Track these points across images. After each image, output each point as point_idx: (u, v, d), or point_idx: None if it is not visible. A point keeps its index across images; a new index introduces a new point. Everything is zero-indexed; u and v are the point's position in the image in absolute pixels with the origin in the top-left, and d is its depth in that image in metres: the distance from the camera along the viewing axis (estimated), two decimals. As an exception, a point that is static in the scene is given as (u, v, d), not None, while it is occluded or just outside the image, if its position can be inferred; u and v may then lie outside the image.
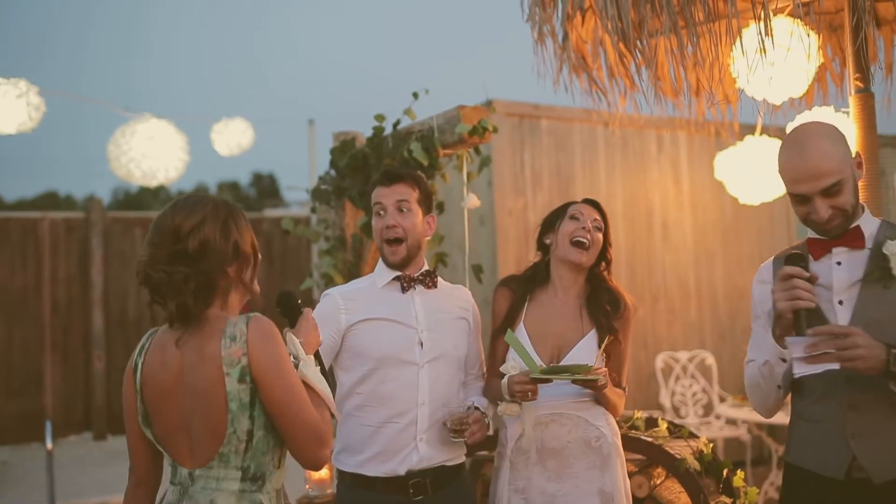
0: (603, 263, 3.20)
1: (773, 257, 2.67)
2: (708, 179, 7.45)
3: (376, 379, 2.94)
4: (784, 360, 2.43)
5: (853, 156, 2.51)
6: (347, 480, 2.99)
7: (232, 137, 7.89)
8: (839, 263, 2.48)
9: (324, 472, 3.68)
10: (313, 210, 4.82)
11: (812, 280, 2.37)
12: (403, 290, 3.03)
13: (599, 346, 2.99)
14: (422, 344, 2.97)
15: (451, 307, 3.11)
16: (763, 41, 3.08)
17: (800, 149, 2.45)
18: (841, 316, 2.43)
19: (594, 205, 3.21)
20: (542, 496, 2.95)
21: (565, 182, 7.48)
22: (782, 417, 6.06)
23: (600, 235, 3.13)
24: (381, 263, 3.10)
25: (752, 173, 5.55)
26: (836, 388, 2.43)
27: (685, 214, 8.15)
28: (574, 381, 2.85)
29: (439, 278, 3.17)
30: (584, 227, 3.09)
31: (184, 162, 6.93)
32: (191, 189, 33.29)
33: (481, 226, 7.13)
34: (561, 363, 2.95)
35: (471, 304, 3.20)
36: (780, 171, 2.52)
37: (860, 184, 3.72)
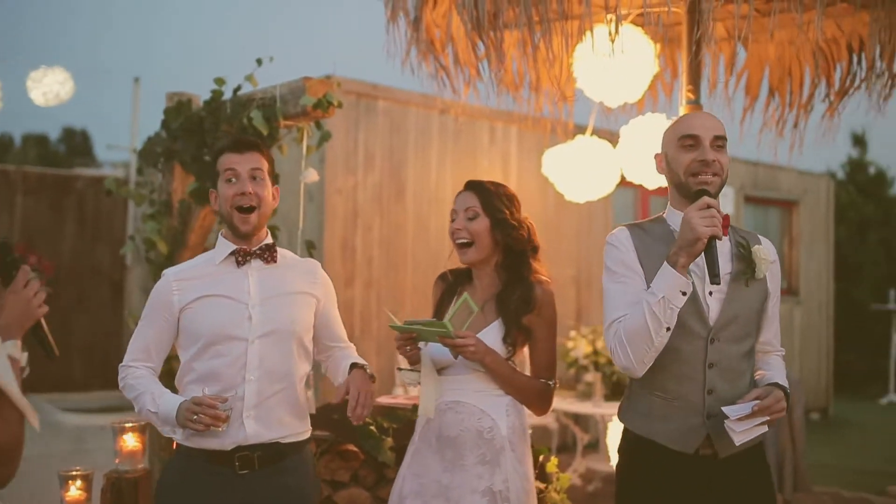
0: (519, 248, 2.98)
1: (623, 225, 2.75)
2: (535, 174, 7.65)
3: (207, 355, 2.86)
4: (684, 294, 2.47)
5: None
6: (181, 451, 2.90)
7: (50, 87, 7.41)
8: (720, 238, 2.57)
9: (135, 445, 3.52)
10: (139, 171, 4.59)
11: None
12: (238, 264, 2.93)
13: (505, 340, 2.92)
14: (251, 318, 2.88)
15: (293, 281, 3.01)
16: (610, 45, 3.18)
17: (697, 112, 2.77)
18: (713, 307, 2.61)
19: (473, 189, 3.00)
20: (436, 485, 2.90)
21: (397, 165, 7.49)
22: (589, 407, 6.36)
23: (481, 223, 2.94)
24: (220, 238, 2.97)
25: (580, 172, 5.73)
26: (697, 373, 2.61)
27: (511, 206, 8.33)
28: (438, 336, 2.78)
29: (287, 252, 3.08)
30: (457, 227, 2.96)
31: (-8, 108, 6.45)
32: (-8, 138, 31.04)
33: (310, 202, 7.03)
34: None
35: (320, 277, 3.09)
36: (672, 128, 2.70)
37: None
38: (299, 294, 3.01)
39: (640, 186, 5.07)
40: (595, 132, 5.68)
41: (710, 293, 2.62)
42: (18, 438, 1.83)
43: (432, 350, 2.92)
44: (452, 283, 3.09)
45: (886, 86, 4.24)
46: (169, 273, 2.95)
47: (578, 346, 6.59)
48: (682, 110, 3.95)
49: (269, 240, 3.01)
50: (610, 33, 3.18)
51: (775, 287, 2.73)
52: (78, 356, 10.25)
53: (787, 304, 11.40)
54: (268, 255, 2.97)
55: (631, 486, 2.78)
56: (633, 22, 3.90)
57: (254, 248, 2.94)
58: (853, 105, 4.63)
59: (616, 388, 6.48)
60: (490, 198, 2.96)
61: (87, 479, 3.31)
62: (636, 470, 2.75)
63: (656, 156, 2.75)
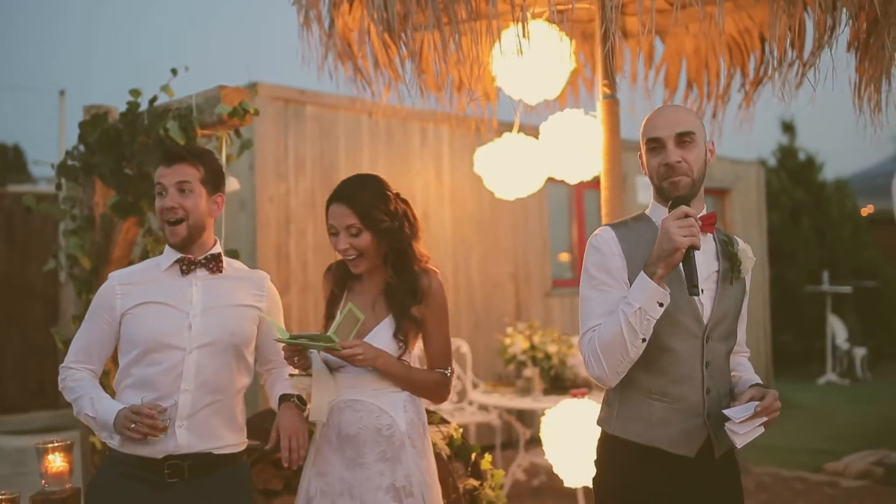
0: (397, 243, 2.92)
1: (607, 224, 2.70)
2: (468, 173, 7.67)
3: (144, 362, 2.86)
4: (661, 305, 2.42)
5: (710, 141, 2.65)
6: (113, 457, 2.90)
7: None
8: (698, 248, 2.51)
9: (61, 465, 3.45)
10: (58, 187, 4.51)
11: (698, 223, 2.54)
12: (183, 273, 2.93)
13: (396, 335, 2.91)
14: (191, 328, 2.87)
15: (238, 293, 3.00)
16: (520, 43, 3.20)
17: (663, 107, 2.68)
18: (705, 305, 2.59)
19: (346, 202, 2.87)
20: (340, 483, 2.88)
21: (328, 169, 7.46)
22: (529, 402, 6.40)
23: (364, 238, 2.86)
24: (167, 248, 2.99)
25: (508, 169, 5.76)
26: (696, 373, 2.57)
27: (445, 206, 8.36)
28: (324, 349, 2.78)
29: (237, 263, 3.10)
30: (343, 248, 2.88)
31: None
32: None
33: (242, 210, 6.98)
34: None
35: (267, 290, 3.09)
36: (642, 127, 2.64)
37: (604, 183, 4.00)
38: (243, 307, 3.01)
39: (576, 183, 5.09)
40: (522, 129, 5.72)
41: (703, 291, 2.55)
42: None
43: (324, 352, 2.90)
44: (341, 277, 3.05)
45: (797, 74, 4.33)
46: (114, 276, 2.96)
47: (516, 342, 6.63)
48: (599, 105, 4.00)
49: (217, 249, 3.01)
50: (519, 32, 3.21)
51: (749, 286, 2.75)
52: (13, 378, 10.01)
53: (724, 291, 11.57)
54: (213, 265, 2.97)
55: (632, 495, 2.62)
56: (548, 19, 3.93)
57: (199, 258, 2.95)
58: (768, 94, 4.72)
59: (554, 382, 6.53)
60: (367, 210, 2.86)
61: (14, 502, 3.25)
62: (635, 479, 2.61)
63: (639, 155, 2.70)
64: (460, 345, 8.03)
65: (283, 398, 2.95)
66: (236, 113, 3.66)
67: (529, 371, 6.51)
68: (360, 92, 4.38)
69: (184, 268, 2.93)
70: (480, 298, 8.64)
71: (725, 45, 4.81)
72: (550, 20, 3.72)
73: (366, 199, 2.88)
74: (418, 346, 3.05)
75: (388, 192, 2.96)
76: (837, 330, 14.01)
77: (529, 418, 7.82)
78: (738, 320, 2.71)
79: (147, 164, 4.00)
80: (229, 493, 2.94)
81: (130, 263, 4.45)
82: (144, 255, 4.47)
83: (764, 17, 4.56)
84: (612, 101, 3.99)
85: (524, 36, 3.27)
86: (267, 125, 7.01)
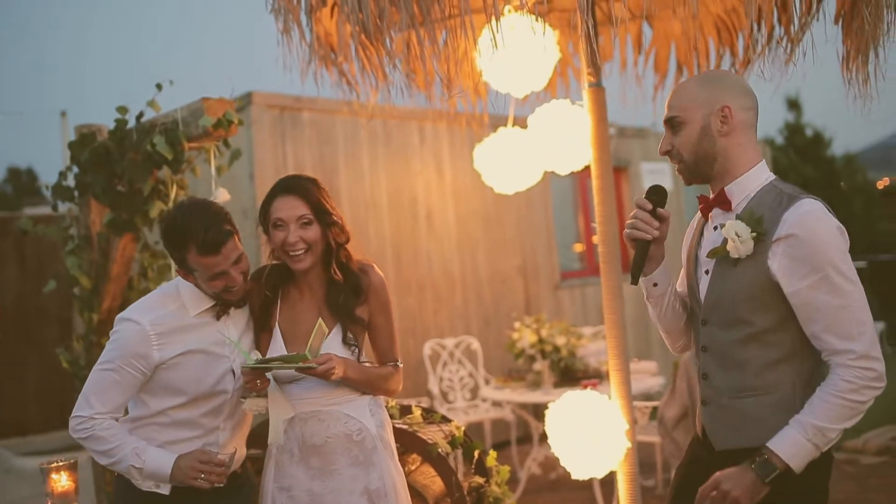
0: (334, 245, 2.91)
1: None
2: (469, 170, 7.64)
3: (187, 408, 2.87)
4: (655, 285, 2.55)
5: (721, 106, 2.40)
6: (145, 495, 2.86)
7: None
8: (716, 228, 2.46)
9: (67, 484, 3.47)
10: (54, 208, 4.54)
11: (660, 217, 2.46)
12: (217, 317, 2.91)
13: (345, 340, 2.91)
14: (234, 373, 2.89)
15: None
16: (494, 37, 3.18)
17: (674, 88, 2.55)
18: (702, 287, 2.47)
19: (297, 193, 2.84)
20: (307, 495, 2.88)
21: (329, 174, 7.46)
22: (539, 396, 6.37)
23: (315, 230, 2.83)
24: (191, 289, 2.86)
25: (506, 164, 5.74)
26: (698, 357, 2.50)
27: (448, 204, 8.35)
28: (297, 369, 2.74)
29: None
30: (291, 241, 2.81)
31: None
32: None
33: (245, 220, 6.98)
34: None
35: None
36: None
37: (594, 172, 3.98)
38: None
39: (580, 172, 5.06)
40: (517, 122, 5.69)
41: (707, 271, 2.46)
42: None
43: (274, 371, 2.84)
44: (275, 284, 2.98)
45: (787, 50, 4.29)
46: (144, 323, 2.79)
47: (524, 336, 6.61)
48: (585, 94, 3.98)
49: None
50: (494, 27, 3.19)
51: (796, 269, 2.26)
52: (32, 399, 10.10)
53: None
54: (241, 302, 2.95)
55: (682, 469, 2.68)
56: (530, 10, 3.91)
57: (235, 300, 2.89)
58: (769, 71, 4.67)
59: (565, 375, 6.50)
60: (318, 202, 2.85)
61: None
62: (685, 461, 2.69)
63: None
64: (471, 342, 8.02)
65: None
66: (221, 124, 3.67)
67: (539, 365, 6.48)
68: (347, 95, 4.37)
69: (220, 312, 2.90)
70: (489, 294, 8.62)
71: (713, 25, 4.77)
72: (531, 12, 3.70)
73: (314, 192, 2.87)
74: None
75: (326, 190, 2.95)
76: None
77: (542, 412, 7.79)
78: (753, 307, 2.33)
79: (138, 180, 4.01)
80: (244, 497, 3.04)
81: (130, 280, 4.47)
82: (143, 271, 4.50)
83: (750, -4, 4.52)
84: (597, 88, 3.96)
85: (498, 30, 3.25)
86: (264, 134, 7.02)
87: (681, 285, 2.70)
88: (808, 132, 16.59)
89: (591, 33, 3.51)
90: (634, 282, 2.51)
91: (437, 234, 8.21)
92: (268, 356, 2.85)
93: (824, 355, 2.28)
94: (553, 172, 5.13)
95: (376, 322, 3.00)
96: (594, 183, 3.94)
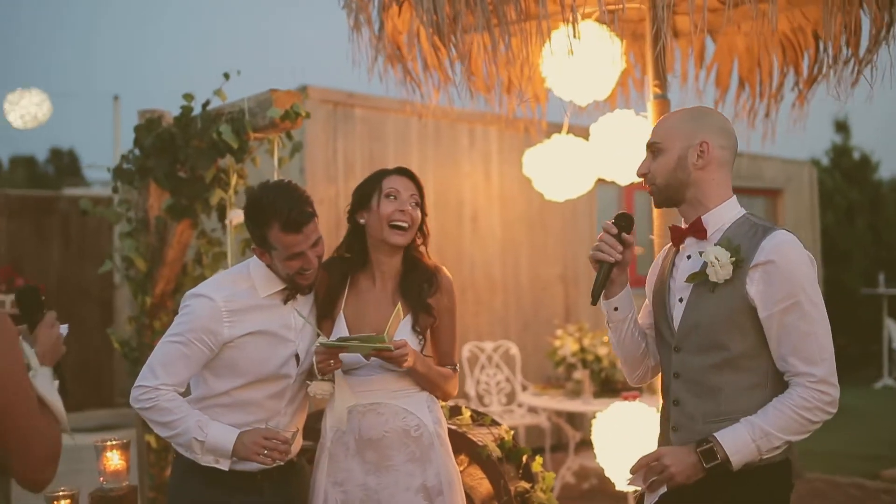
0: (420, 238, 3.05)
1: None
2: (517, 174, 7.65)
3: (250, 389, 2.88)
4: (616, 309, 2.60)
5: (700, 142, 2.47)
6: (201, 470, 2.86)
7: (27, 109, 7.40)
8: (689, 257, 2.53)
9: (119, 463, 3.51)
10: (115, 190, 4.60)
11: (625, 242, 2.53)
12: (284, 301, 2.93)
13: (415, 328, 2.93)
14: (297, 358, 2.91)
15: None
16: (571, 44, 3.19)
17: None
18: (675, 314, 2.51)
19: (410, 176, 3.00)
20: (361, 490, 2.87)
21: (378, 171, 7.49)
22: (579, 405, 6.37)
23: (419, 212, 2.97)
24: (263, 270, 2.91)
25: (558, 171, 5.74)
26: (669, 382, 2.55)
27: (494, 207, 8.35)
28: (369, 354, 2.77)
29: None
30: (402, 210, 2.92)
31: (-28, 133, 6.44)
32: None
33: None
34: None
35: None
36: None
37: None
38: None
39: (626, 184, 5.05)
40: (571, 130, 5.69)
41: (681, 299, 2.51)
42: (59, 446, 2.03)
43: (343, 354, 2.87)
44: (343, 273, 3.04)
45: (853, 72, 4.25)
46: (217, 299, 2.83)
47: (566, 344, 6.60)
48: (650, 105, 3.97)
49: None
50: (569, 33, 3.19)
51: (771, 294, 2.34)
52: (70, 377, 10.17)
53: (777, 293, 11.42)
54: (309, 289, 2.98)
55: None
56: (598, 20, 3.92)
57: (305, 285, 2.93)
58: (823, 93, 4.64)
59: (605, 385, 6.48)
60: (423, 192, 3.02)
61: (73, 499, 3.31)
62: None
63: None
64: (509, 346, 8.02)
65: None
66: (288, 116, 3.70)
67: (579, 373, 6.47)
68: (410, 94, 4.40)
69: (288, 295, 2.93)
70: (529, 300, 8.62)
71: (778, 43, 4.74)
72: (601, 20, 3.70)
73: (421, 184, 3.03)
74: None
75: None
76: (894, 333, 13.72)
77: (579, 421, 7.78)
78: (730, 332, 2.39)
79: (200, 167, 4.06)
80: (298, 486, 3.04)
81: (184, 266, 4.52)
82: (198, 257, 4.54)
83: (818, 15, 4.48)
84: (663, 101, 3.96)
85: (574, 36, 3.26)
86: (317, 128, 7.06)
87: (641, 318, 2.75)
88: (856, 155, 16.39)
89: (663, 45, 3.51)
90: (593, 302, 2.59)
91: (481, 237, 8.21)
92: (345, 336, 2.86)
93: (786, 376, 2.39)
94: (601, 181, 5.13)
95: (441, 322, 3.03)
96: (655, 195, 3.92)
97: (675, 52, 5.06)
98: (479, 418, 3.65)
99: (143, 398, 2.80)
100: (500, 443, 3.50)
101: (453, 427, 3.49)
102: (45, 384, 2.08)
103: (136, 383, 2.83)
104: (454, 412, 3.66)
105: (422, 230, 3.04)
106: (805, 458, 7.35)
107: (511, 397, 7.91)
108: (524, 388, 7.80)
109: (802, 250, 2.38)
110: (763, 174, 11.66)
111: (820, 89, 4.71)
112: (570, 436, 6.84)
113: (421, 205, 2.99)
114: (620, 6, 3.24)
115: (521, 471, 3.58)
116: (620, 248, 2.53)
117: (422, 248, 3.06)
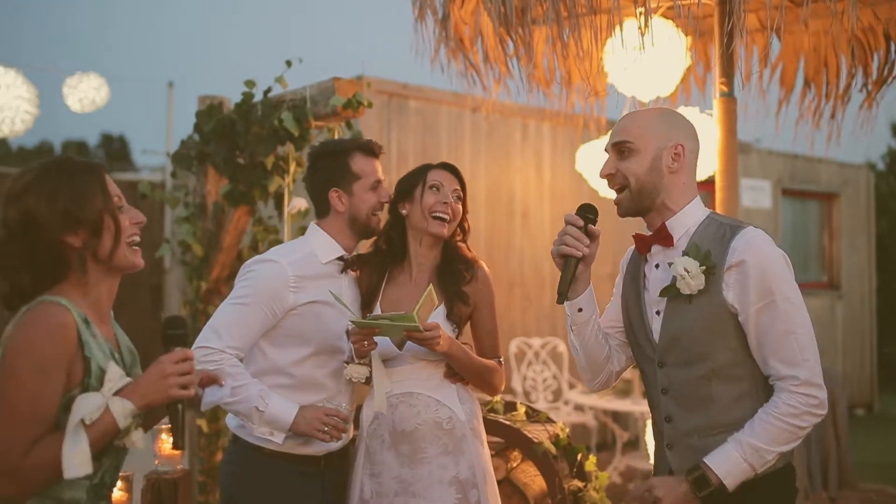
0: (459, 233, 3.07)
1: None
2: (568, 170, 7.61)
3: (312, 363, 2.86)
4: (580, 310, 2.49)
5: (674, 143, 2.37)
6: (260, 452, 2.85)
7: (85, 93, 7.48)
8: (657, 266, 2.42)
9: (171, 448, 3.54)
10: (174, 175, 4.63)
11: (591, 234, 2.40)
12: (341, 271, 2.96)
13: (449, 316, 2.92)
14: (348, 334, 2.88)
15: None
16: (642, 38, 3.14)
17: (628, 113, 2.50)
18: (654, 327, 2.40)
19: (453, 171, 3.03)
20: (396, 482, 2.87)
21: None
22: (628, 405, 6.31)
23: (461, 206, 3.00)
24: (323, 237, 2.94)
25: (614, 167, 5.68)
26: (657, 398, 2.42)
27: (545, 203, 8.30)
28: (401, 341, 2.78)
29: None
30: (444, 201, 2.94)
31: (31, 115, 6.51)
32: (33, 146, 31.53)
33: (344, 202, 7.05)
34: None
35: None
36: None
37: (719, 184, 3.90)
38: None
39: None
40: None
41: (658, 312, 2.39)
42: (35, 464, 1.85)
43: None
44: (382, 265, 3.05)
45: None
46: (284, 263, 2.82)
47: (615, 343, 6.53)
48: (716, 104, 3.90)
49: None
50: (640, 27, 3.14)
51: (746, 295, 2.25)
52: (120, 360, 10.34)
53: (829, 298, 11.24)
54: (356, 267, 3.03)
55: None
56: (664, 15, 3.86)
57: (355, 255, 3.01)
58: (892, 94, 4.53)
59: (654, 385, 6.41)
60: (465, 186, 3.05)
61: (128, 481, 3.34)
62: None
63: None
64: (557, 344, 7.97)
65: None
66: (350, 105, 3.70)
67: (628, 373, 6.40)
68: (471, 87, 4.37)
69: (345, 264, 2.96)
70: (577, 298, 8.55)
71: (847, 43, 4.63)
72: (669, 16, 3.64)
73: (464, 181, 3.07)
74: None
75: None
76: (947, 342, 13.44)
77: (626, 421, 7.71)
78: (713, 342, 2.29)
79: (260, 153, 4.07)
80: (344, 470, 3.02)
81: (239, 252, 4.54)
82: (254, 244, 4.56)
83: (890, 15, 4.37)
84: (729, 99, 3.89)
85: (643, 32, 3.20)
86: (371, 118, 7.06)
87: (605, 318, 2.64)
88: (913, 159, 16.10)
89: (732, 43, 3.44)
90: (560, 301, 2.45)
91: (530, 233, 8.17)
92: (377, 314, 2.86)
93: (771, 380, 2.29)
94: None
95: (480, 316, 3.03)
96: (718, 195, 3.87)
97: (739, 50, 4.97)
98: (535, 415, 3.62)
99: (207, 360, 2.70)
100: (555, 440, 3.47)
101: (508, 422, 3.46)
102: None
103: (198, 344, 2.73)
104: (509, 408, 3.64)
105: (462, 226, 3.07)
106: (858, 468, 7.22)
107: (557, 395, 7.87)
108: (571, 387, 7.75)
109: (774, 247, 2.28)
110: (819, 177, 11.46)
111: (890, 91, 4.60)
112: (617, 435, 6.78)
113: (463, 200, 3.02)
114: (694, 0, 3.18)
115: (574, 469, 3.55)
116: (587, 241, 2.40)
117: (461, 244, 3.08)
